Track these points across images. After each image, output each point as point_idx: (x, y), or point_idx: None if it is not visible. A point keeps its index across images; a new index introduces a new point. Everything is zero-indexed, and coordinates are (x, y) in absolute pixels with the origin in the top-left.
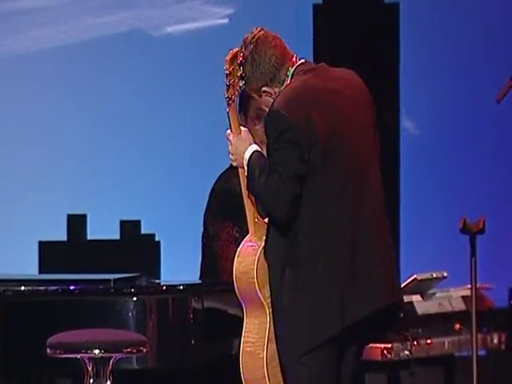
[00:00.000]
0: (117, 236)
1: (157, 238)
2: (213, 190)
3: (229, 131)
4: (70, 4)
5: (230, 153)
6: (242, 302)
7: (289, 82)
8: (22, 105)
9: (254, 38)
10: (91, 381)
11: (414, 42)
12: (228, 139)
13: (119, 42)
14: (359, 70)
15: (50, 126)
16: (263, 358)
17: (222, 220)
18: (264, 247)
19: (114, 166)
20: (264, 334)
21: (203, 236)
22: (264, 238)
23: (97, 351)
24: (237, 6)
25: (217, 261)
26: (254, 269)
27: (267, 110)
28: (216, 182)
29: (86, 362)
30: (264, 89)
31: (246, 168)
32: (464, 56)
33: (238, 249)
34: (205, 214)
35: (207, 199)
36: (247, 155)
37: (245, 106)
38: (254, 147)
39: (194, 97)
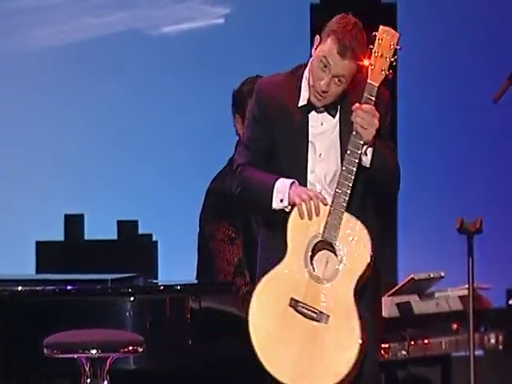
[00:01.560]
0: (114, 236)
1: (154, 238)
2: (209, 189)
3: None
4: (68, 4)
5: (366, 124)
6: None
7: None
8: (19, 105)
9: None
10: (88, 381)
11: (411, 42)
12: (370, 112)
13: (117, 42)
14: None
15: (48, 126)
16: None
17: (217, 220)
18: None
19: (111, 166)
20: None
21: (199, 236)
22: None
23: (94, 351)
24: (235, 6)
25: (212, 261)
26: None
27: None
28: (212, 181)
29: (83, 362)
30: None
31: (370, 142)
32: (462, 55)
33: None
34: (201, 214)
35: (203, 199)
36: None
37: (241, 107)
38: None
39: (191, 97)
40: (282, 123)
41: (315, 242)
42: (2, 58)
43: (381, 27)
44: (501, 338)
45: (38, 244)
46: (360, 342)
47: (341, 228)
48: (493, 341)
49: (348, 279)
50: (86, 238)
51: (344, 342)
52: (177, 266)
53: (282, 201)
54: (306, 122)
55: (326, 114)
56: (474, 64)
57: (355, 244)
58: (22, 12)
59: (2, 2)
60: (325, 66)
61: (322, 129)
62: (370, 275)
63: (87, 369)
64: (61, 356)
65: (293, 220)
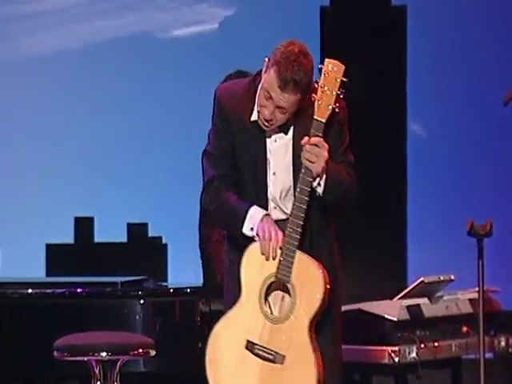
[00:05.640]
0: (124, 239)
1: (164, 241)
2: None
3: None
4: (78, 7)
5: (314, 158)
6: None
7: None
8: (30, 108)
9: None
10: (98, 383)
11: (421, 44)
12: (319, 144)
13: (125, 45)
14: (367, 72)
15: (58, 129)
16: None
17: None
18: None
19: (121, 168)
20: None
21: (199, 239)
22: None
23: (104, 354)
24: (244, 9)
25: (210, 262)
26: None
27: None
28: None
29: (93, 364)
30: None
31: (321, 174)
32: (472, 57)
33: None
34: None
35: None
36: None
37: None
38: None
39: (202, 100)
40: (241, 137)
41: (269, 282)
42: (11, 61)
43: (326, 60)
44: (511, 340)
45: (48, 247)
46: (316, 376)
47: (293, 268)
48: (503, 344)
49: (302, 319)
50: (96, 240)
51: (301, 380)
52: (186, 269)
53: (252, 229)
54: (263, 137)
55: (278, 130)
56: (484, 66)
57: (308, 284)
58: (31, 15)
59: (11, 5)
60: (270, 97)
61: (276, 146)
62: (327, 305)
63: (97, 371)
64: (71, 359)
65: (247, 257)
